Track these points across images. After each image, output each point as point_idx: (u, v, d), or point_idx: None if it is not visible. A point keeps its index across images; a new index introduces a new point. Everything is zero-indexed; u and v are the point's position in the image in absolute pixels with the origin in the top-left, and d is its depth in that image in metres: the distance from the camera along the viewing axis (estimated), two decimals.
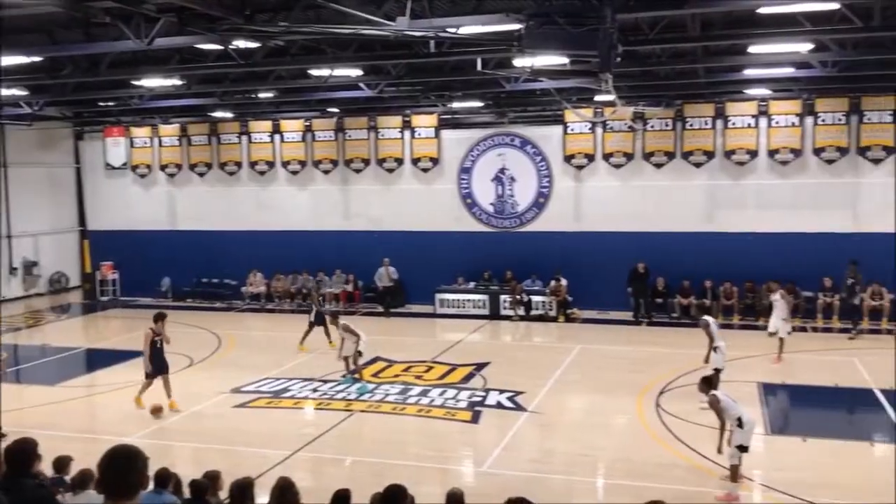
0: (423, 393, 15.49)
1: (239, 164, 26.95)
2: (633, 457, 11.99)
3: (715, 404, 10.53)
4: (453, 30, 11.62)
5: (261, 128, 26.55)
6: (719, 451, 10.60)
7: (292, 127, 26.23)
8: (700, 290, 22.24)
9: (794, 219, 21.73)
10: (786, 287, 18.18)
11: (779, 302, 17.44)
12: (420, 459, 12.09)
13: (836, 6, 11.85)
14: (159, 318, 14.87)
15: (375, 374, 16.88)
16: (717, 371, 13.62)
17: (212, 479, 8.08)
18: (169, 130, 27.47)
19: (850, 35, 13.95)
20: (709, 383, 11.06)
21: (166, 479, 7.50)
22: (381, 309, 24.25)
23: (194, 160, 27.38)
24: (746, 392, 14.49)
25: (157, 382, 14.64)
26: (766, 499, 10.56)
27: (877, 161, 21.40)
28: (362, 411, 14.50)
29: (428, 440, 13.08)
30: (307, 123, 26.04)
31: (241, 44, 13.44)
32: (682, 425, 13.08)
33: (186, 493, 7.82)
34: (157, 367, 14.63)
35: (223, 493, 7.91)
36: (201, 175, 27.38)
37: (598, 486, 11.29)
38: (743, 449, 10.30)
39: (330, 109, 24.88)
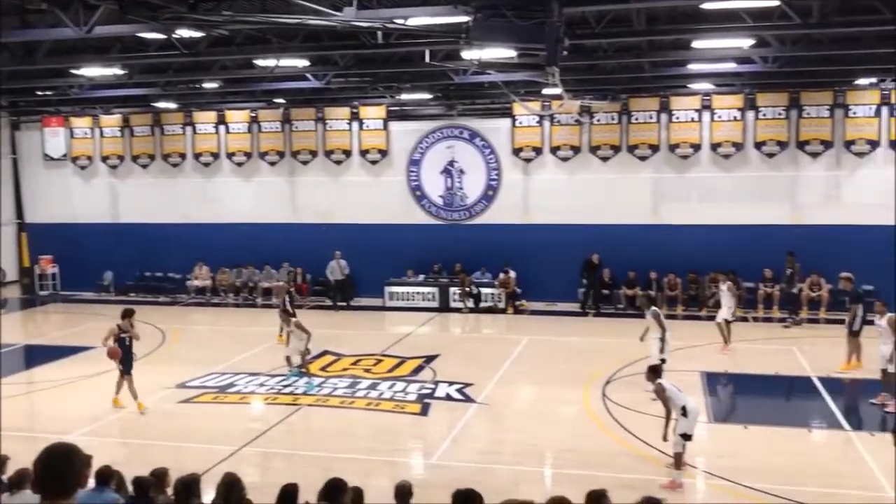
0: (372, 386, 15.44)
1: (183, 156, 26.48)
2: (580, 446, 12.14)
3: (661, 393, 10.70)
4: (401, 21, 11.57)
5: (205, 118, 26.11)
6: (665, 438, 10.78)
7: (238, 118, 25.87)
8: (645, 281, 22.59)
9: (736, 211, 22.19)
10: (728, 277, 18.61)
11: (724, 293, 17.84)
12: (369, 453, 12.05)
13: (776, 3, 12.12)
14: (127, 315, 14.33)
15: (324, 368, 16.77)
16: (662, 361, 13.85)
17: (158, 476, 7.92)
18: (110, 121, 26.82)
19: (790, 31, 14.30)
20: (655, 372, 11.21)
21: (108, 476, 7.33)
22: (329, 302, 24.09)
23: (137, 151, 26.80)
24: (690, 381, 14.76)
25: (112, 376, 14.23)
26: (708, 486, 10.79)
27: (815, 155, 21.98)
28: (310, 405, 14.40)
29: (377, 433, 13.04)
30: (253, 114, 25.71)
31: (185, 33, 13.17)
32: (628, 414, 13.29)
33: (130, 490, 7.67)
34: (124, 365, 14.14)
35: (171, 491, 7.77)
36: (144, 167, 26.83)
37: (546, 476, 11.41)
38: (687, 437, 10.50)
39: (276, 100, 24.60)
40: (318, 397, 14.76)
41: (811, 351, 17.40)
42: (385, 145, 24.87)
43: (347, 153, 25.16)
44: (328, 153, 25.29)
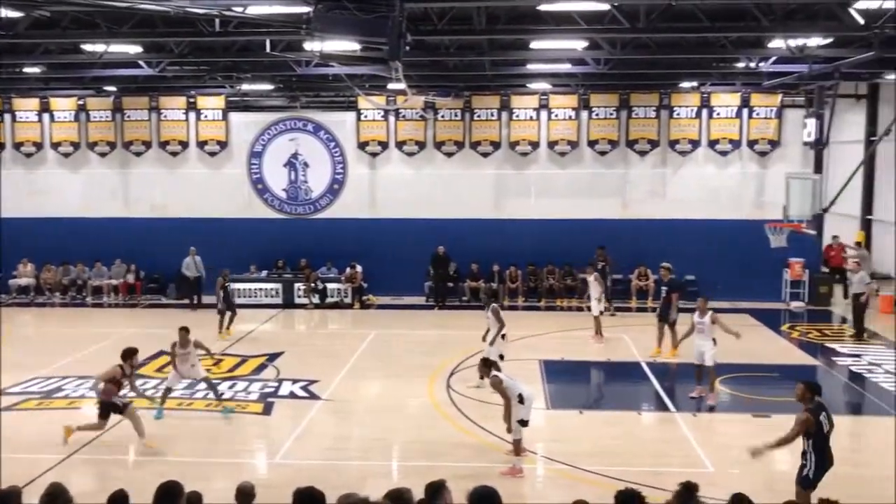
0: None
1: (2, 146, 24.64)
2: (425, 438, 12.28)
3: (498, 385, 10.88)
4: (239, 9, 11.27)
5: (27, 106, 24.44)
6: (509, 430, 10.98)
7: (63, 106, 24.35)
8: (488, 273, 23.18)
9: (572, 206, 23.20)
10: (563, 269, 19.36)
11: (592, 284, 18.50)
12: (209, 455, 11.66)
13: (606, 7, 12.74)
14: (129, 355, 12.14)
15: (160, 369, 16.06)
16: (501, 357, 13.92)
17: None
18: None
19: (619, 35, 15.09)
20: (489, 366, 11.38)
21: None
22: (164, 300, 23.11)
23: None
24: (529, 369, 15.31)
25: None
26: (547, 470, 11.19)
27: (643, 153, 23.35)
28: (146, 408, 13.70)
29: (217, 434, 12.64)
30: (80, 102, 24.26)
31: (1, 12, 12.21)
32: (471, 404, 13.58)
33: None
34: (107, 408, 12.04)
35: None
36: None
37: (393, 469, 11.46)
38: (524, 423, 10.83)
39: (106, 88, 23.33)
40: (153, 399, 14.08)
41: (639, 338, 18.44)
42: (224, 137, 24.16)
43: (184, 144, 24.26)
44: (163, 144, 24.27)
